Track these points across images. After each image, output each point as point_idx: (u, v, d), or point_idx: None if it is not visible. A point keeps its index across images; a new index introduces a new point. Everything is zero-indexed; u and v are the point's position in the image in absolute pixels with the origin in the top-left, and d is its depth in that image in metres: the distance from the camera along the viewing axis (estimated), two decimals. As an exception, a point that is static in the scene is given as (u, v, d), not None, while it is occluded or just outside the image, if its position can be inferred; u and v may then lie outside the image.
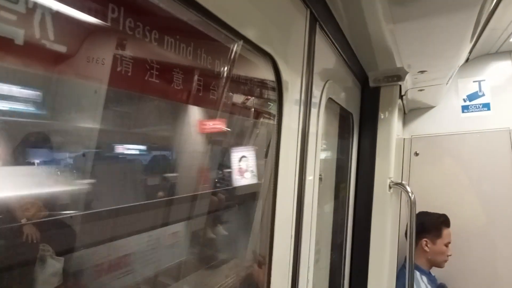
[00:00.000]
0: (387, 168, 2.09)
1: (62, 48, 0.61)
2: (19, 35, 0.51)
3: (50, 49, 0.59)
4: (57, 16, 0.57)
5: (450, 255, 2.92)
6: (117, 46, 0.77)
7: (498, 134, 3.23)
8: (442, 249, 2.90)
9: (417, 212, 2.25)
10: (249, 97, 1.54)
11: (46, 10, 0.55)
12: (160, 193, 1.73)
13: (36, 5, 0.53)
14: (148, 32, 0.72)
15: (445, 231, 2.95)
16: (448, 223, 2.99)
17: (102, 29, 0.70)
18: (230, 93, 1.25)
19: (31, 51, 0.57)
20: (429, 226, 2.95)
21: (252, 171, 2.07)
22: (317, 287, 1.79)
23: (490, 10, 1.85)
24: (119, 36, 0.77)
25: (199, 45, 0.89)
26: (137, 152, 1.86)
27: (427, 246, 2.92)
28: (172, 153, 1.99)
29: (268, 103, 1.41)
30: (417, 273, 2.84)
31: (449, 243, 2.92)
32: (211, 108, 1.37)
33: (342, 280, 2.12)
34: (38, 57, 0.66)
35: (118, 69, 0.75)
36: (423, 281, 2.83)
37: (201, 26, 0.82)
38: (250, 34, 0.90)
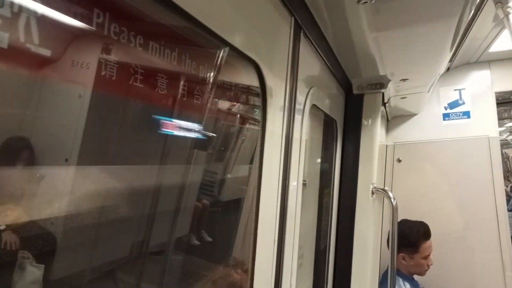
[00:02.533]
0: (370, 174, 2.12)
1: (47, 52, 0.61)
2: (3, 38, 0.51)
3: (35, 52, 0.59)
4: (42, 20, 0.57)
5: (431, 265, 2.84)
6: (102, 50, 0.78)
7: (477, 141, 3.32)
8: (419, 262, 2.81)
9: (399, 218, 2.26)
10: (233, 103, 1.54)
11: (31, 13, 0.55)
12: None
13: (21, 8, 0.53)
14: (133, 37, 0.72)
15: (424, 245, 2.81)
16: (427, 235, 2.85)
17: (87, 34, 0.70)
18: (215, 99, 1.26)
19: (16, 55, 0.57)
20: (405, 241, 2.81)
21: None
22: (300, 292, 1.80)
23: (468, 20, 1.90)
24: (104, 41, 0.77)
25: (184, 51, 0.90)
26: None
27: (404, 260, 2.84)
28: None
29: (254, 109, 1.42)
30: (400, 279, 2.83)
31: (429, 254, 2.82)
32: (196, 113, 1.38)
33: (325, 285, 2.13)
34: (22, 60, 0.66)
35: (103, 73, 0.75)
36: (405, 287, 2.84)
37: (186, 32, 0.82)
38: (235, 40, 0.91)
